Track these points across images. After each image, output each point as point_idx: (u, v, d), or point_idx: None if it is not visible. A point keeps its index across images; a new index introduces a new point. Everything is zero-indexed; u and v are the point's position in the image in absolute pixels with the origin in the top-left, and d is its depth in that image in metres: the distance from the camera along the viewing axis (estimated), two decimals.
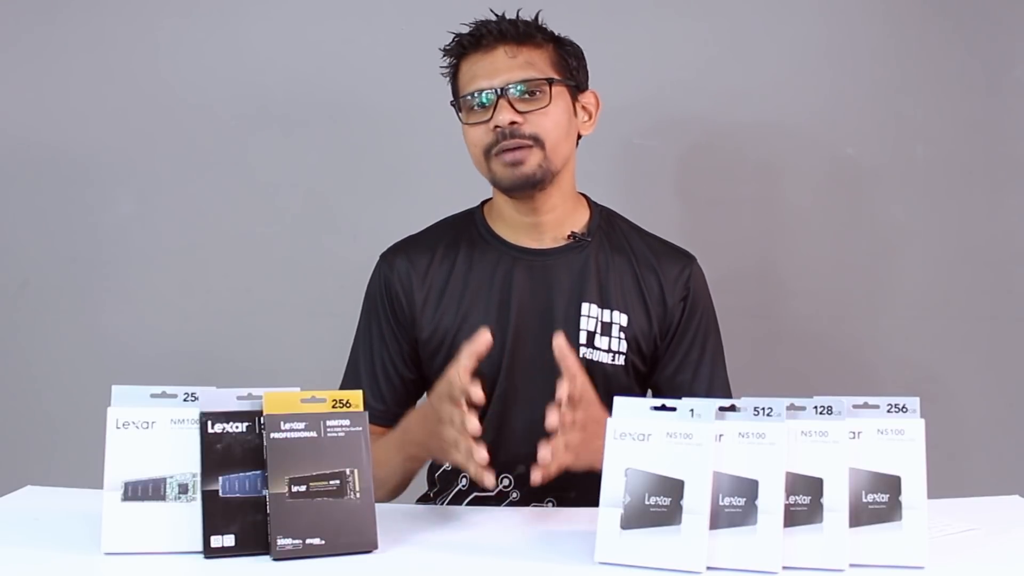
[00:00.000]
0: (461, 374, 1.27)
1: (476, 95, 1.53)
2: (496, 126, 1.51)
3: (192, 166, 2.19)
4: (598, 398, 1.38)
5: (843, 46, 2.17)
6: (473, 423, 1.25)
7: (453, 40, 1.58)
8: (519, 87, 1.52)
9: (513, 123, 1.50)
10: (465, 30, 1.57)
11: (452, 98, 1.60)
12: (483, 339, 1.29)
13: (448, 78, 1.61)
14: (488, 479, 1.26)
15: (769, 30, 2.17)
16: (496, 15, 1.57)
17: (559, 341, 1.30)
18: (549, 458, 1.26)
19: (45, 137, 2.20)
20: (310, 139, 2.19)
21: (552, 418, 1.26)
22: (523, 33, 1.54)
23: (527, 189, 1.55)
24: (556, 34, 1.59)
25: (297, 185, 2.20)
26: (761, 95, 2.17)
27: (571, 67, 1.58)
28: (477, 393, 1.26)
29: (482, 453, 1.24)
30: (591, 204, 1.66)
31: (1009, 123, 2.19)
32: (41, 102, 2.20)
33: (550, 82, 1.53)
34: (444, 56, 1.59)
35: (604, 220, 1.65)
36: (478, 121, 1.53)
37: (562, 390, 1.27)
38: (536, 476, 1.27)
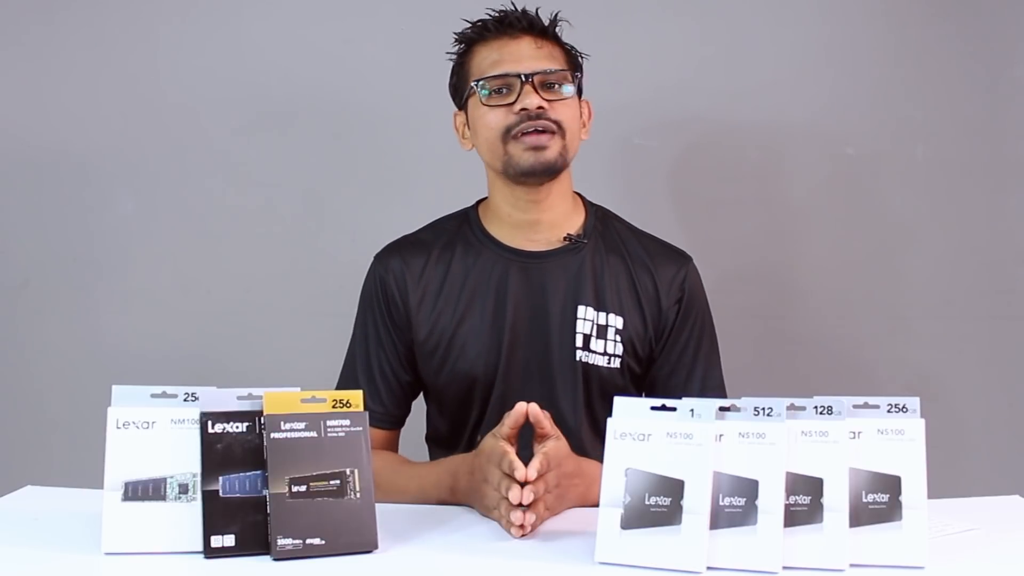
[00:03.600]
0: (503, 444, 1.30)
1: (501, 78, 1.54)
2: (523, 108, 1.52)
3: (191, 166, 2.19)
4: (597, 415, 1.39)
5: (843, 46, 2.17)
6: (516, 494, 1.24)
7: (476, 24, 1.59)
8: (547, 74, 1.54)
9: (540, 107, 1.52)
10: (472, 23, 1.59)
11: (455, 81, 1.61)
12: (521, 410, 1.30)
13: (456, 62, 1.62)
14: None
15: (769, 30, 2.17)
16: (516, 8, 1.59)
17: (533, 408, 1.31)
18: (528, 527, 1.25)
19: (45, 137, 2.20)
20: (309, 139, 2.18)
21: (515, 494, 1.24)
22: (547, 30, 1.58)
23: (543, 176, 1.55)
24: (566, 43, 1.62)
25: (296, 185, 2.19)
26: (761, 95, 2.17)
27: (577, 67, 1.61)
28: (521, 472, 1.25)
29: (518, 523, 1.24)
30: (586, 204, 1.66)
31: (1009, 123, 2.18)
32: (41, 102, 2.20)
33: (574, 76, 1.57)
34: (458, 42, 1.61)
35: (599, 221, 1.65)
36: (499, 104, 1.54)
37: (531, 469, 1.25)
38: (517, 534, 1.26)
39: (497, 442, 1.31)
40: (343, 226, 2.18)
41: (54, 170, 2.20)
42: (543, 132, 1.52)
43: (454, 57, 1.62)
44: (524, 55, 1.55)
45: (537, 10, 1.59)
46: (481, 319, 1.58)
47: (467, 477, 1.39)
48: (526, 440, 1.34)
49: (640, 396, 1.64)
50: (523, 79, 1.53)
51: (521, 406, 1.31)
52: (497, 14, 1.59)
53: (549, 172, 1.54)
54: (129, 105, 2.18)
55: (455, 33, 1.61)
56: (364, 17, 2.17)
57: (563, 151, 1.55)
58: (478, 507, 1.37)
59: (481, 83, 1.55)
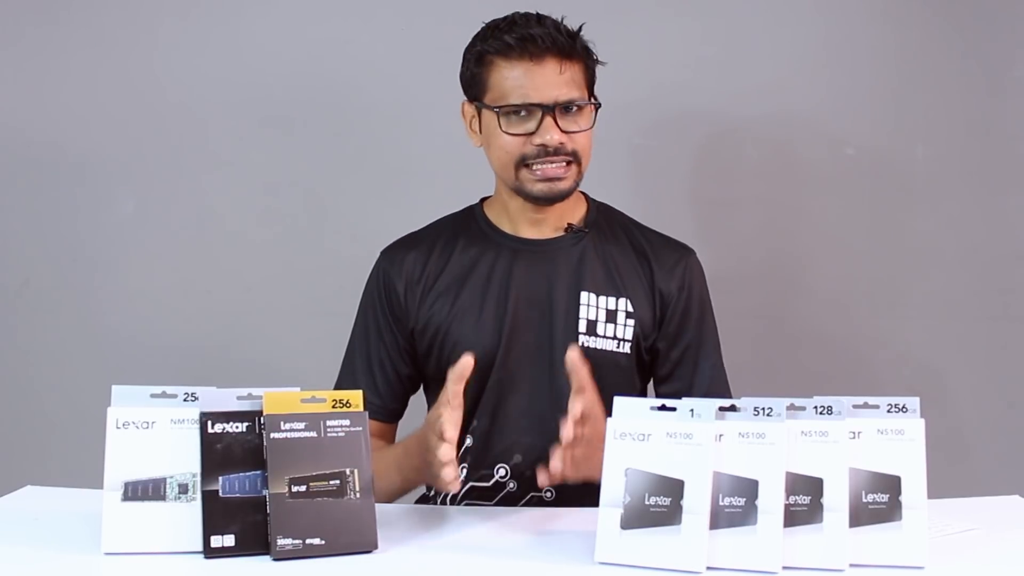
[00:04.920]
0: (440, 408, 1.29)
1: (523, 108, 1.51)
2: (542, 143, 1.51)
3: (192, 166, 2.19)
4: (600, 401, 1.37)
5: (843, 46, 2.17)
6: (444, 452, 1.25)
7: (496, 32, 1.53)
8: (567, 107, 1.52)
9: (561, 143, 1.51)
10: (491, 15, 1.54)
11: (468, 74, 1.56)
12: (466, 362, 1.29)
13: (474, 56, 1.55)
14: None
15: (769, 30, 2.17)
16: (538, 15, 1.54)
17: (572, 354, 1.31)
18: (559, 469, 1.25)
19: (45, 137, 2.20)
20: (310, 139, 2.18)
21: (567, 431, 1.26)
22: (570, 47, 1.52)
23: (555, 202, 1.56)
24: (588, 45, 1.57)
25: (297, 185, 2.20)
26: (761, 95, 2.16)
27: (593, 81, 1.59)
28: (450, 433, 1.26)
29: (449, 477, 1.25)
30: (588, 199, 1.68)
31: (1009, 123, 2.18)
32: (41, 102, 2.20)
33: (595, 105, 1.55)
34: (479, 43, 1.55)
35: (601, 214, 1.67)
36: (519, 132, 1.52)
37: (576, 407, 1.27)
38: (543, 479, 1.27)
39: (436, 408, 1.32)
40: (344, 226, 2.18)
41: (54, 170, 2.20)
42: (559, 165, 1.53)
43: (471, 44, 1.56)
44: (548, 82, 1.50)
45: (562, 25, 1.53)
46: (482, 305, 1.59)
47: (416, 448, 1.39)
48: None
49: (643, 383, 1.64)
50: (546, 111, 1.51)
51: (467, 358, 1.29)
52: (521, 26, 1.52)
53: (560, 199, 1.56)
54: (129, 105, 2.18)
55: (479, 36, 1.55)
56: (365, 17, 2.17)
57: (576, 178, 1.56)
58: (429, 481, 1.37)
59: (499, 107, 1.52)
